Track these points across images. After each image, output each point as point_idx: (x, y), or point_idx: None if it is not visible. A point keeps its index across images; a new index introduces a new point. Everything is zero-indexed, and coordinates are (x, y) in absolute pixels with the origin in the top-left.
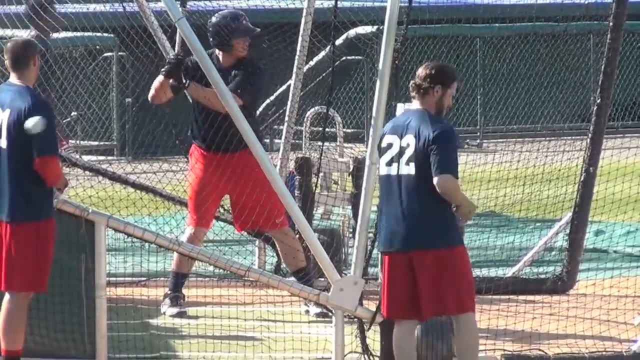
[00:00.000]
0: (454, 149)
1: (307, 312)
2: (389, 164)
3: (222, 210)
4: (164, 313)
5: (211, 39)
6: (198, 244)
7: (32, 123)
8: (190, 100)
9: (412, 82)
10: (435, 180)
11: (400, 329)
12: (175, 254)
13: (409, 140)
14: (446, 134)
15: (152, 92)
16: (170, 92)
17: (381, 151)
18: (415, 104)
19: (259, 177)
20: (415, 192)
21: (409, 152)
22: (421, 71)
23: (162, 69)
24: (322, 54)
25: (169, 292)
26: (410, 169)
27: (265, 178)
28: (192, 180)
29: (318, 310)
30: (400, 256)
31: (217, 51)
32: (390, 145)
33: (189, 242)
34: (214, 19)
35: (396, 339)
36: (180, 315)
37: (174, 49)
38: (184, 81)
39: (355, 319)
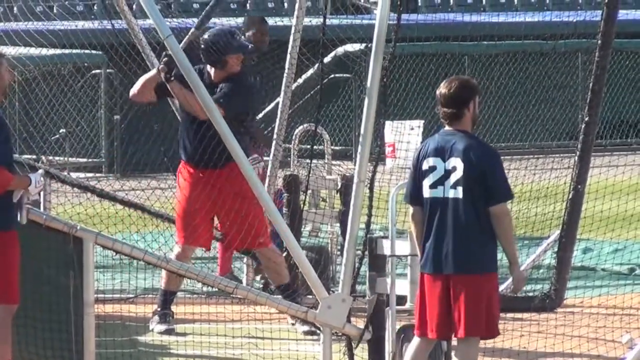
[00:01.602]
0: (504, 171)
1: (293, 324)
2: (434, 186)
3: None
4: (153, 330)
5: (203, 55)
6: (186, 261)
7: None
8: (179, 117)
9: (441, 111)
10: (492, 209)
11: (419, 346)
12: (163, 272)
13: (456, 163)
14: (496, 158)
15: (136, 88)
16: (153, 94)
17: (422, 173)
18: (452, 126)
19: (242, 192)
20: (463, 216)
21: (456, 175)
22: (447, 98)
23: (161, 64)
24: (311, 71)
25: (158, 309)
26: (457, 193)
27: (249, 194)
28: (180, 198)
29: (306, 328)
30: (439, 277)
31: (208, 67)
32: (433, 168)
33: (177, 259)
34: (206, 36)
35: (409, 354)
36: (169, 332)
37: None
38: (171, 76)
39: (343, 337)
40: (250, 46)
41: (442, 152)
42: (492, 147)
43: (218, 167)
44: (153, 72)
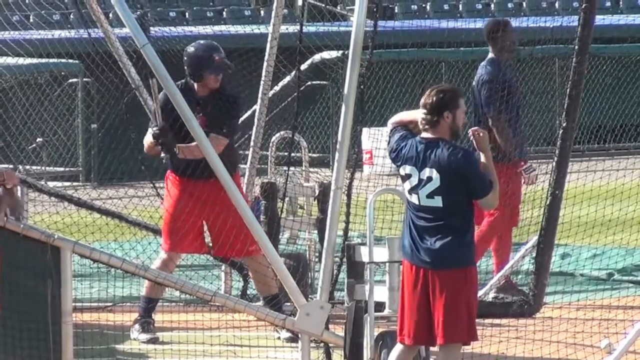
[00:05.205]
0: (479, 169)
1: (279, 338)
2: (410, 193)
3: None
4: (137, 339)
5: (186, 68)
6: (171, 268)
7: None
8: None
9: (422, 116)
10: (480, 203)
11: (401, 353)
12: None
13: (431, 174)
14: (471, 158)
15: (145, 147)
16: (159, 153)
17: (402, 177)
18: (429, 133)
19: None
20: (442, 222)
21: (433, 185)
22: (425, 103)
23: (154, 139)
24: (288, 78)
25: (138, 317)
26: (436, 202)
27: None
28: (168, 205)
29: (287, 335)
30: (418, 271)
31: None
32: (409, 176)
33: (161, 266)
34: (190, 49)
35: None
36: (153, 341)
37: (139, 75)
38: (175, 150)
39: (322, 344)
40: (230, 65)
41: (416, 161)
42: (466, 149)
43: (204, 177)
44: (149, 138)
